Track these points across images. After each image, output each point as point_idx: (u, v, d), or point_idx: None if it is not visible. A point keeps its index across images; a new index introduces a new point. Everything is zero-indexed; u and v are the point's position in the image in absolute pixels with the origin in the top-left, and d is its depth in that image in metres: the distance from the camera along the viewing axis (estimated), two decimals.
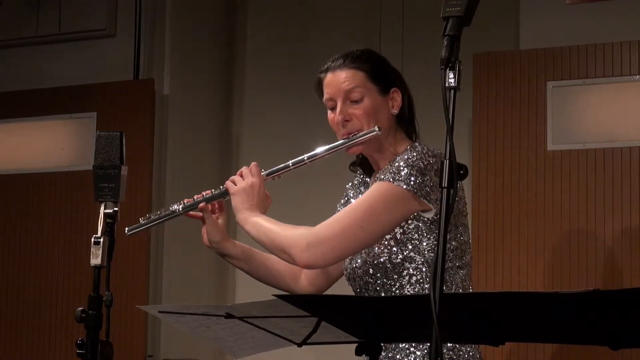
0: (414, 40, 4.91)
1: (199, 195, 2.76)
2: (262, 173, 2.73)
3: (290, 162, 2.73)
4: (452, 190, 1.81)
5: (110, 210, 2.16)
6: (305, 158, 2.72)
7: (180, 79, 4.98)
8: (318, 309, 2.01)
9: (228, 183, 2.72)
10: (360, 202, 2.57)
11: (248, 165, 2.76)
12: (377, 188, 2.56)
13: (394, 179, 2.53)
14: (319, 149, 2.72)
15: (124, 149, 2.21)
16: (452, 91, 1.85)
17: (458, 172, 1.82)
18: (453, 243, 2.60)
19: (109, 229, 2.14)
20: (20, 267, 4.95)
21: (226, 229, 2.81)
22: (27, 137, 5.05)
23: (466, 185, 2.81)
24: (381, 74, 2.70)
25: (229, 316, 2.11)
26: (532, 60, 4.11)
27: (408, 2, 4.98)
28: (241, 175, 2.72)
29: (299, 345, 2.21)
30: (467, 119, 4.22)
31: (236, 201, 2.69)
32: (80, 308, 2.10)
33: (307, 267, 2.60)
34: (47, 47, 5.09)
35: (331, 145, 2.70)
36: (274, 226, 2.62)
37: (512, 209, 4.05)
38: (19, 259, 4.96)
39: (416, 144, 2.68)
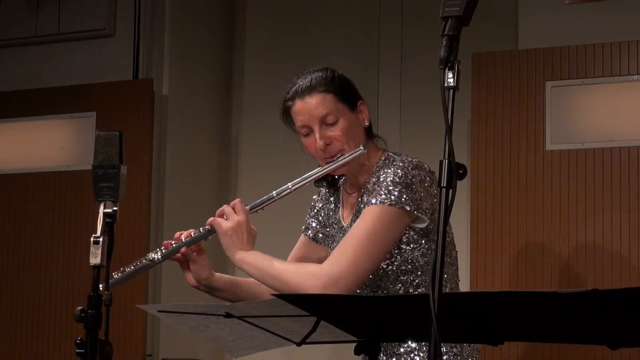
0: (413, 40, 4.91)
1: (176, 238, 2.73)
2: (246, 207, 2.71)
3: (274, 192, 2.71)
4: (450, 190, 1.81)
5: (110, 210, 2.15)
6: (290, 186, 2.72)
7: (180, 79, 4.98)
8: (317, 309, 2.01)
9: (214, 222, 2.69)
10: (361, 230, 2.59)
11: (232, 199, 2.73)
12: (373, 213, 2.59)
13: (387, 200, 2.58)
14: (303, 177, 2.72)
15: (124, 148, 2.21)
16: (451, 91, 1.85)
17: (457, 171, 1.83)
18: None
19: (108, 229, 2.14)
20: (19, 267, 4.95)
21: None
22: (26, 136, 5.04)
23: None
24: (347, 91, 2.75)
25: (228, 315, 2.12)
26: (531, 60, 4.11)
27: (407, 2, 4.98)
28: (223, 215, 2.70)
29: (298, 344, 2.21)
30: (466, 119, 4.22)
31: (227, 242, 2.67)
32: (79, 307, 2.10)
33: None
34: (47, 47, 5.09)
35: (316, 170, 2.73)
36: (280, 265, 2.63)
37: (511, 208, 4.05)
38: (18, 258, 4.95)
39: (391, 154, 2.73)
